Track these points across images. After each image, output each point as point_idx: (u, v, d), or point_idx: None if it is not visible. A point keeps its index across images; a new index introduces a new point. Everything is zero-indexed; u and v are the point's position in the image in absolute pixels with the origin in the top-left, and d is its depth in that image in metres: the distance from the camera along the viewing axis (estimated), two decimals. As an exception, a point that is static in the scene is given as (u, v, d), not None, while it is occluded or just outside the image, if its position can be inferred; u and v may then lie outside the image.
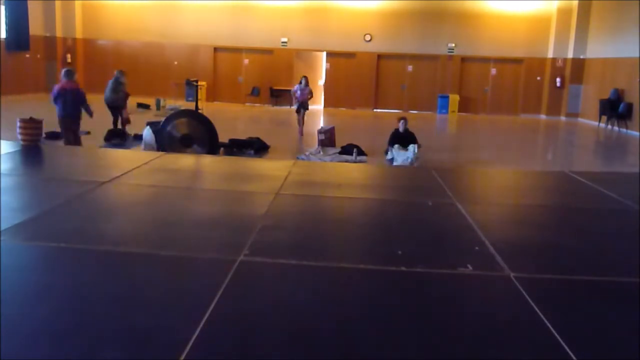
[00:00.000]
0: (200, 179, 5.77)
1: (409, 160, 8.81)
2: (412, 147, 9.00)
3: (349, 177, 5.90)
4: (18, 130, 6.36)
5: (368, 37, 18.83)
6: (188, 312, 2.45)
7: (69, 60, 19.17)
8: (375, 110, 19.10)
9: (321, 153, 10.02)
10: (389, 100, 19.22)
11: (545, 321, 2.46)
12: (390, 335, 2.35)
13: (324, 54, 19.38)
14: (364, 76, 19.07)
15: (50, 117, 7.32)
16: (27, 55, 17.64)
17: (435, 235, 3.78)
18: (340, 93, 19.13)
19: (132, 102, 16.78)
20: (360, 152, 9.89)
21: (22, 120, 6.37)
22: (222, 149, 9.47)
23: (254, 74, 19.56)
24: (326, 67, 19.36)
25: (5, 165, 5.44)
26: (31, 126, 6.40)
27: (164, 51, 19.36)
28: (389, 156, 9.17)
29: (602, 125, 15.81)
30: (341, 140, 10.66)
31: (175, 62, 19.32)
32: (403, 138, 9.39)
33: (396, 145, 9.16)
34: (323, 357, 2.17)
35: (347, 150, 9.95)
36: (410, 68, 19.19)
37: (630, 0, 14.41)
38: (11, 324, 2.27)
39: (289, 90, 19.00)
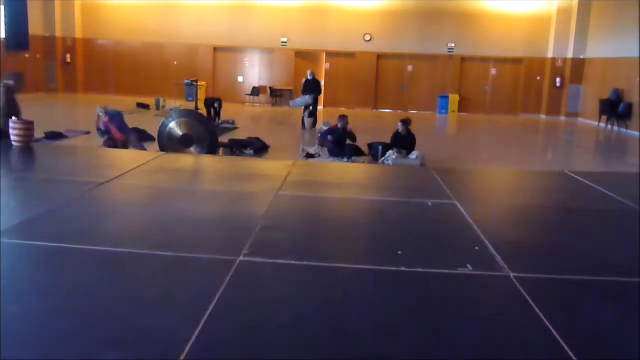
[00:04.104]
0: (200, 179, 5.76)
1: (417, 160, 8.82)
2: (414, 155, 8.99)
3: (349, 177, 5.90)
4: (10, 131, 6.32)
5: (368, 37, 18.83)
6: (188, 312, 2.45)
7: (68, 60, 19.17)
8: (375, 110, 19.10)
9: (320, 154, 10.01)
10: (389, 100, 19.22)
11: (545, 321, 2.46)
12: (390, 335, 2.35)
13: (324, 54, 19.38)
14: (364, 76, 19.06)
15: (50, 118, 7.29)
16: (27, 55, 17.62)
17: (435, 235, 3.78)
18: (340, 93, 19.13)
19: (132, 101, 16.87)
20: (360, 153, 9.88)
21: (13, 122, 6.32)
22: (222, 149, 9.46)
23: (254, 74, 19.57)
24: (326, 67, 19.36)
25: (5, 165, 5.44)
26: (22, 127, 6.33)
27: (164, 51, 19.35)
28: (387, 160, 9.12)
29: (602, 125, 15.81)
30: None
31: (175, 62, 19.32)
32: (404, 140, 9.38)
33: (393, 151, 9.14)
34: (323, 357, 2.17)
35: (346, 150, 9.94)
36: (410, 68, 19.19)
37: (630, 0, 14.41)
38: (11, 324, 2.27)
39: (289, 90, 19.08)
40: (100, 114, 8.84)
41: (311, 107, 13.93)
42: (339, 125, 9.77)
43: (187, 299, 2.61)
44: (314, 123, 13.78)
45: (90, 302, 2.56)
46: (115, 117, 9.01)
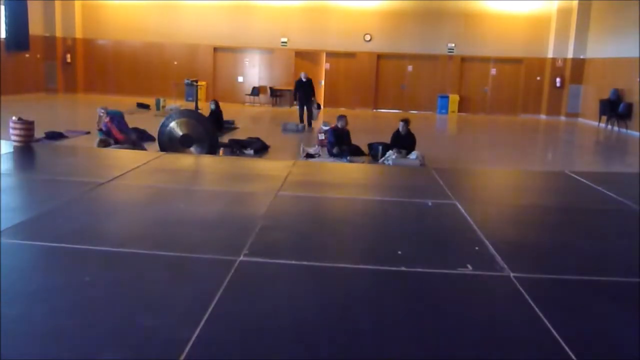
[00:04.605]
0: (200, 179, 5.77)
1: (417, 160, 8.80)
2: (413, 155, 8.99)
3: (349, 177, 5.90)
4: (10, 130, 6.32)
5: (368, 37, 18.83)
6: (188, 312, 2.45)
7: (68, 60, 19.16)
8: (375, 110, 19.10)
9: (320, 154, 10.01)
10: (389, 100, 19.21)
11: (545, 321, 2.46)
12: (390, 335, 2.35)
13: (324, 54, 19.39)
14: (364, 76, 19.06)
15: (50, 118, 7.29)
16: (27, 55, 17.62)
17: (435, 235, 3.78)
18: (340, 93, 19.14)
19: (132, 101, 16.87)
20: (360, 152, 9.88)
21: (13, 121, 6.33)
22: (222, 149, 9.47)
23: (254, 74, 19.57)
24: (326, 67, 19.36)
25: (5, 165, 5.44)
26: (22, 127, 6.32)
27: (164, 51, 19.35)
28: (387, 160, 9.11)
29: (602, 125, 15.81)
30: (341, 140, 10.62)
31: (175, 62, 19.32)
32: (403, 140, 9.38)
33: (393, 151, 9.13)
34: (323, 357, 2.17)
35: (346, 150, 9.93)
36: (410, 68, 19.19)
37: (630, 0, 14.41)
38: (11, 324, 2.27)
39: (289, 90, 19.08)
40: (101, 114, 8.86)
41: (315, 102, 14.42)
42: (339, 125, 9.77)
43: (187, 299, 2.61)
44: (316, 116, 14.24)
45: (90, 302, 2.56)
46: (116, 118, 9.02)
